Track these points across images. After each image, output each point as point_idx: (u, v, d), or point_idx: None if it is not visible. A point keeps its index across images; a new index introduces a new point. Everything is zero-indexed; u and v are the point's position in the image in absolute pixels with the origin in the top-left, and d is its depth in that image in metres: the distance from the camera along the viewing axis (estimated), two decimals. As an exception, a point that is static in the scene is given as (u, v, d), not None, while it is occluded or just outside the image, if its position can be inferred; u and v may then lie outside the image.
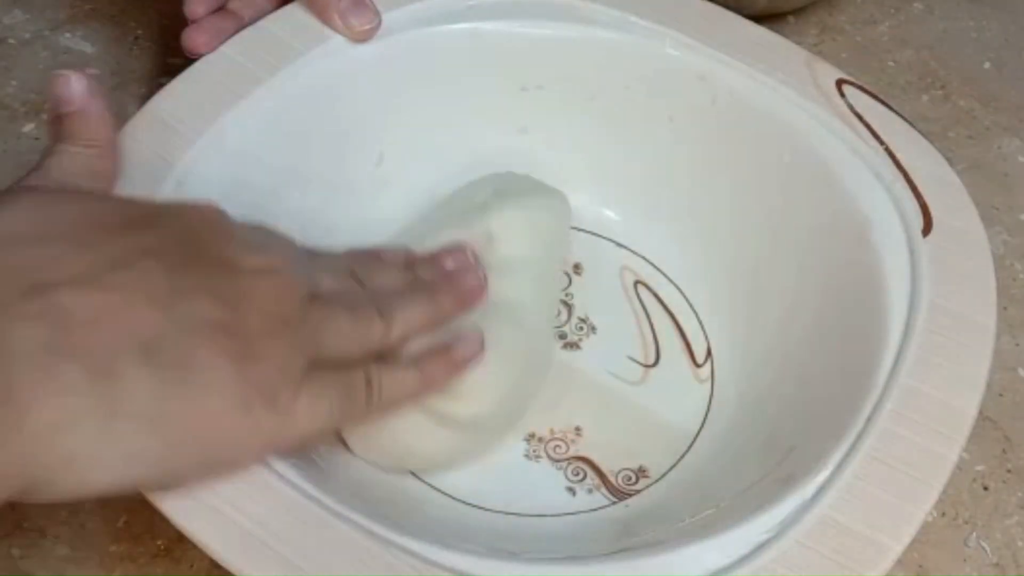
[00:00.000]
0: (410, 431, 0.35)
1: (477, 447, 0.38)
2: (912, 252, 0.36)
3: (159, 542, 0.36)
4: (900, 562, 0.29)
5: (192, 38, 0.40)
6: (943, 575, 0.38)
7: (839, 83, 0.42)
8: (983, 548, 0.39)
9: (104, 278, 0.25)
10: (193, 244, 0.28)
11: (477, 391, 0.35)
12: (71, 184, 0.30)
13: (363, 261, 0.34)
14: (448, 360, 0.34)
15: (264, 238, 0.31)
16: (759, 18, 0.45)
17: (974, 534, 0.39)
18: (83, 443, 0.24)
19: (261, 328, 0.28)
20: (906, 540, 0.29)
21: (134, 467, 0.25)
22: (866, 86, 0.42)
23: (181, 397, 0.26)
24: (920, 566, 0.38)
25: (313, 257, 0.33)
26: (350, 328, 0.31)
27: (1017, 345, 0.45)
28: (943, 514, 0.39)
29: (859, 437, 0.32)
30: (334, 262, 0.34)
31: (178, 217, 0.29)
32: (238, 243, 0.29)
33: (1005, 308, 0.46)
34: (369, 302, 0.32)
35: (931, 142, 0.40)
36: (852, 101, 0.41)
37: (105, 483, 0.25)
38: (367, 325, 0.32)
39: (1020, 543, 0.39)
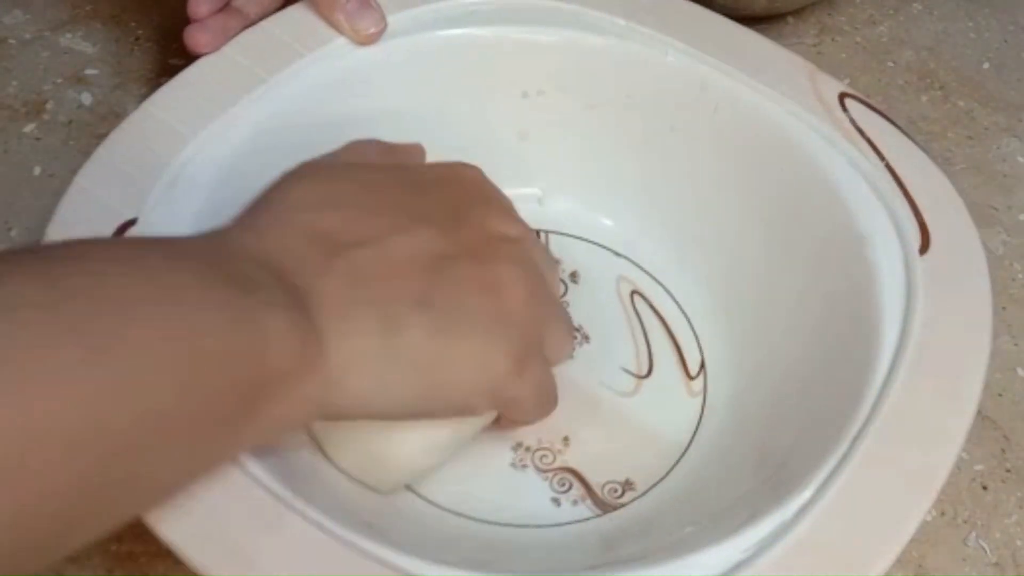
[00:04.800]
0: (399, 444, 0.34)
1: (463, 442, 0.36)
2: (908, 270, 0.36)
3: (160, 542, 0.36)
4: (900, 562, 0.29)
5: (194, 37, 0.40)
6: (943, 575, 0.38)
7: (841, 96, 0.41)
8: (983, 548, 0.39)
9: (388, 241, 0.30)
10: (460, 209, 0.32)
11: None
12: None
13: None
14: None
15: (510, 205, 0.35)
16: (758, 19, 0.45)
17: (973, 534, 0.39)
18: (366, 382, 0.28)
19: (512, 294, 0.31)
20: (905, 540, 0.29)
21: (399, 403, 0.30)
22: (869, 100, 0.41)
23: (447, 344, 0.29)
24: (920, 566, 0.38)
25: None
26: (565, 341, 0.35)
27: (1016, 345, 0.45)
28: (943, 514, 0.39)
29: (858, 436, 0.32)
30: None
31: (448, 183, 0.34)
32: (495, 209, 0.34)
33: (1004, 308, 0.46)
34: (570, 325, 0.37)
35: (931, 142, 0.40)
36: (854, 115, 0.41)
37: (376, 412, 0.30)
38: (570, 344, 0.36)
39: (1019, 543, 0.39)
